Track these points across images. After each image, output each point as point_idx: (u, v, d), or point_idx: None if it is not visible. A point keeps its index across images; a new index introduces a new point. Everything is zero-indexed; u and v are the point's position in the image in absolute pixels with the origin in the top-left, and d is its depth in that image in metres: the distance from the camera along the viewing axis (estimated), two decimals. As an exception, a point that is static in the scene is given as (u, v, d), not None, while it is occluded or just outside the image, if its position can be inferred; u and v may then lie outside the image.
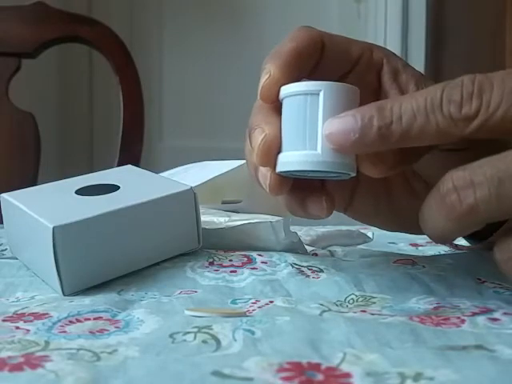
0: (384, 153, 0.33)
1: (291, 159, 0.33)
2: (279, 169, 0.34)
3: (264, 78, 0.35)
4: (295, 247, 0.47)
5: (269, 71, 0.35)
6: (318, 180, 0.37)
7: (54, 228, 0.37)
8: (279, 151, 0.34)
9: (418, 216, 0.31)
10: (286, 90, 0.34)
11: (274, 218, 0.49)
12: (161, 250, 0.44)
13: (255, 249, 0.47)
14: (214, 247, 0.47)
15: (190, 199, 0.44)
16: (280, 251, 0.46)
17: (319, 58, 0.37)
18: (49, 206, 0.42)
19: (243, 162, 0.63)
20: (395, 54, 0.39)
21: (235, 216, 0.52)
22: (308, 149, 0.33)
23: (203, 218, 0.51)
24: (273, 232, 0.46)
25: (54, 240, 0.37)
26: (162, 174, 0.70)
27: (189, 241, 0.45)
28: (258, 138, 0.34)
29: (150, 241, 0.43)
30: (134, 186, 0.46)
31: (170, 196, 0.43)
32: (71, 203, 0.43)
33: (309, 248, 0.49)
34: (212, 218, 0.51)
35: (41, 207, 0.41)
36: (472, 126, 0.29)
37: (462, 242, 0.53)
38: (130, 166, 0.51)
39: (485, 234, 0.42)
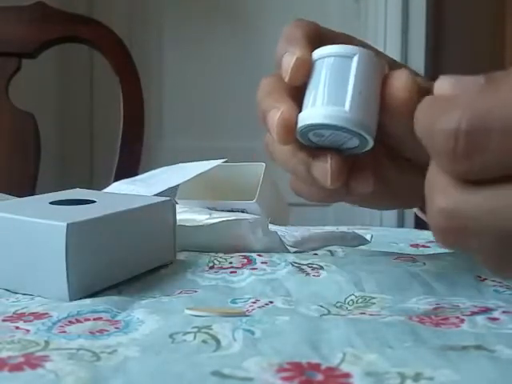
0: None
1: (316, 112, 0.33)
2: (300, 124, 0.34)
3: (292, 60, 0.35)
4: (275, 247, 0.46)
5: (294, 53, 0.35)
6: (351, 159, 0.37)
7: (67, 225, 0.35)
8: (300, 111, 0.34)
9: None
10: (321, 51, 0.35)
11: (253, 217, 0.49)
12: (140, 261, 0.42)
13: (234, 247, 0.46)
14: (193, 245, 0.47)
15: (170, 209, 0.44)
16: (258, 251, 0.45)
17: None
18: (41, 213, 0.39)
19: (220, 161, 0.62)
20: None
21: (216, 214, 0.51)
22: (336, 105, 0.33)
23: (185, 216, 0.50)
24: (251, 230, 0.46)
25: (66, 239, 0.35)
26: (140, 177, 0.70)
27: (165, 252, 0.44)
28: (275, 117, 0.34)
29: (137, 249, 0.41)
30: (110, 199, 0.45)
31: (154, 204, 0.43)
32: (63, 210, 0.40)
33: (292, 249, 0.49)
34: (193, 217, 0.50)
35: (34, 214, 0.38)
36: None
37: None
38: (78, 189, 0.48)
39: None
